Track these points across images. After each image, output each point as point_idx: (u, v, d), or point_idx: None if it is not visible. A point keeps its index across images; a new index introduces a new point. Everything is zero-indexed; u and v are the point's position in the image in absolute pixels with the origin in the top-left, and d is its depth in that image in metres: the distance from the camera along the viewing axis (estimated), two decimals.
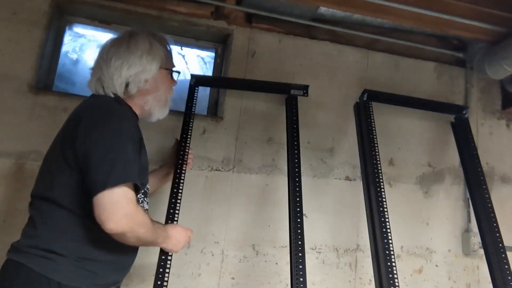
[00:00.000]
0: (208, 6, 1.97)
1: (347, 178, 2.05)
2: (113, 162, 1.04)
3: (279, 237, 1.88)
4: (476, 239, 2.05)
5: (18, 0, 1.80)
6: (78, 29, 2.09)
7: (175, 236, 1.28)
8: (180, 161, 1.57)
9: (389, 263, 1.55)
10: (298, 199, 1.61)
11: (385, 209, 1.66)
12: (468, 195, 2.12)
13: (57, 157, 1.13)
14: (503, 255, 1.74)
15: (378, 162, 1.78)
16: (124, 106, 1.24)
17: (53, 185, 1.11)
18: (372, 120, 1.90)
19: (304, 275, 1.46)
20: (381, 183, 1.73)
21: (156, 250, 1.35)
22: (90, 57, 2.12)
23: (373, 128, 1.87)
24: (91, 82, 1.26)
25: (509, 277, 1.69)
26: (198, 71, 2.24)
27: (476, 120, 2.30)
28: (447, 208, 2.15)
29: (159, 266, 1.33)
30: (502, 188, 2.24)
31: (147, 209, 1.30)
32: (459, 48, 2.30)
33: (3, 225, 1.62)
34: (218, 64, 2.18)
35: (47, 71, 1.90)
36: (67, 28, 2.03)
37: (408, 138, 2.17)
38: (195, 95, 1.81)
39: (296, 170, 1.68)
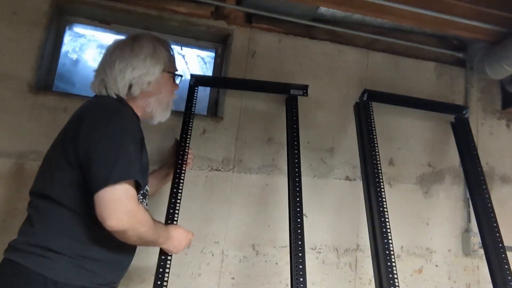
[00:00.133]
0: (208, 6, 1.97)
1: (347, 178, 2.05)
2: (115, 159, 1.04)
3: (279, 237, 1.88)
4: (476, 239, 2.05)
5: (18, 0, 1.80)
6: (78, 29, 2.09)
7: (177, 237, 1.28)
8: (179, 161, 1.57)
9: (389, 263, 1.55)
10: (298, 199, 1.61)
11: (385, 209, 1.66)
12: (468, 195, 2.12)
13: (58, 155, 1.13)
14: (503, 255, 1.74)
15: (378, 162, 1.78)
16: (127, 106, 1.25)
17: (53, 183, 1.11)
18: (372, 120, 1.90)
19: (304, 275, 1.46)
20: (381, 183, 1.73)
21: (156, 250, 1.35)
22: (90, 57, 2.12)
23: (373, 128, 1.87)
24: (94, 83, 1.27)
25: (509, 277, 1.69)
26: (198, 71, 2.24)
27: (476, 120, 2.30)
28: (447, 208, 2.15)
29: (158, 266, 1.33)
30: (502, 188, 2.24)
31: (146, 209, 1.29)
32: (459, 48, 2.30)
33: (3, 225, 1.62)
34: (218, 64, 2.18)
35: (47, 71, 1.90)
36: (67, 28, 2.03)
37: (408, 138, 2.17)
38: (195, 95, 1.81)
39: (296, 170, 1.68)
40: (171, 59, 1.36)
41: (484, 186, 1.91)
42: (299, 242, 1.52)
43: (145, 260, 1.64)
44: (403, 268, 2.00)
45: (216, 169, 1.90)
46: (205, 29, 2.05)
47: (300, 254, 1.50)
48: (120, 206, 1.01)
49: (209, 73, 2.21)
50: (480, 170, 1.96)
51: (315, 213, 1.96)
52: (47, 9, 1.83)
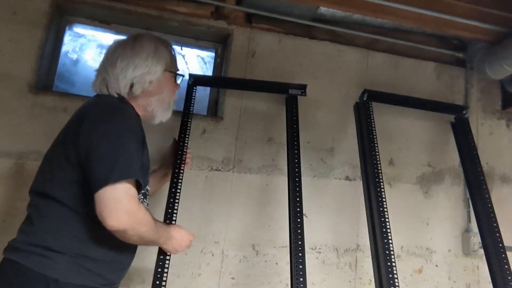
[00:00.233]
0: (208, 6, 1.98)
1: (347, 178, 2.05)
2: (115, 159, 1.03)
3: (279, 237, 1.88)
4: (476, 239, 2.05)
5: (18, 0, 1.80)
6: (78, 29, 2.09)
7: (177, 238, 1.27)
8: (178, 161, 1.57)
9: (389, 263, 1.55)
10: (298, 199, 1.61)
11: (385, 209, 1.66)
12: (468, 195, 2.12)
13: (58, 154, 1.13)
14: (503, 255, 1.74)
15: (378, 162, 1.78)
16: (128, 105, 1.24)
17: (53, 182, 1.11)
18: (372, 120, 1.90)
19: (304, 275, 1.46)
20: (381, 183, 1.73)
21: (157, 251, 1.35)
22: (90, 57, 2.12)
23: (373, 128, 1.87)
24: (95, 82, 1.27)
25: (509, 277, 1.69)
26: (198, 71, 2.24)
27: (476, 120, 2.29)
28: (447, 208, 2.15)
29: (157, 266, 1.32)
30: (502, 188, 2.24)
31: (147, 209, 1.29)
32: (459, 48, 2.30)
33: (3, 225, 1.62)
34: (218, 64, 2.18)
35: (47, 71, 1.90)
36: (67, 28, 2.03)
37: (408, 138, 2.17)
38: (193, 95, 1.81)
39: (296, 170, 1.68)
40: (173, 59, 1.35)
41: (484, 186, 1.91)
42: (299, 242, 1.52)
43: (145, 260, 1.63)
44: (403, 268, 2.00)
45: (216, 169, 1.90)
46: (205, 29, 2.05)
47: (300, 254, 1.50)
48: (120, 205, 1.01)
49: (209, 73, 2.21)
50: (480, 170, 1.96)
51: (315, 213, 1.96)
52: (47, 9, 1.83)
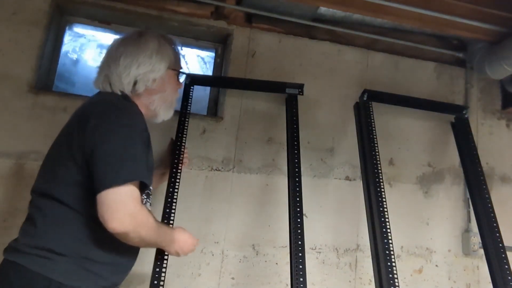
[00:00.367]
0: (208, 6, 1.97)
1: (347, 178, 2.05)
2: (121, 160, 1.02)
3: (279, 237, 1.88)
4: (476, 239, 2.05)
5: (18, 0, 1.80)
6: (78, 29, 2.09)
7: (180, 242, 1.24)
8: (175, 161, 1.57)
9: (389, 263, 1.55)
10: (298, 199, 1.61)
11: (385, 209, 1.66)
12: (468, 195, 2.12)
13: (62, 153, 1.11)
14: (503, 255, 1.74)
15: (378, 162, 1.78)
16: (133, 104, 1.22)
17: (56, 181, 1.09)
18: (372, 120, 1.90)
19: (304, 275, 1.46)
20: (381, 183, 1.73)
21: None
22: (90, 57, 2.12)
23: (373, 128, 1.87)
24: (97, 79, 1.25)
25: (509, 277, 1.69)
26: (198, 71, 2.24)
27: (476, 120, 2.29)
28: (447, 208, 2.15)
29: (155, 265, 1.32)
30: (502, 188, 2.24)
31: (149, 210, 1.29)
32: (459, 48, 2.29)
33: (3, 225, 1.62)
34: (218, 64, 2.18)
35: (47, 71, 1.90)
36: (67, 28, 2.03)
37: (408, 138, 2.17)
38: (191, 94, 1.80)
39: (296, 170, 1.68)
40: (176, 57, 1.34)
41: (484, 186, 1.91)
42: (299, 242, 1.52)
43: (145, 261, 1.63)
44: (403, 268, 2.00)
45: (216, 169, 1.90)
46: (205, 29, 2.05)
47: (300, 254, 1.50)
48: (123, 208, 0.99)
49: (209, 73, 2.21)
50: (480, 170, 1.96)
51: (315, 213, 1.96)
52: (47, 9, 1.83)
